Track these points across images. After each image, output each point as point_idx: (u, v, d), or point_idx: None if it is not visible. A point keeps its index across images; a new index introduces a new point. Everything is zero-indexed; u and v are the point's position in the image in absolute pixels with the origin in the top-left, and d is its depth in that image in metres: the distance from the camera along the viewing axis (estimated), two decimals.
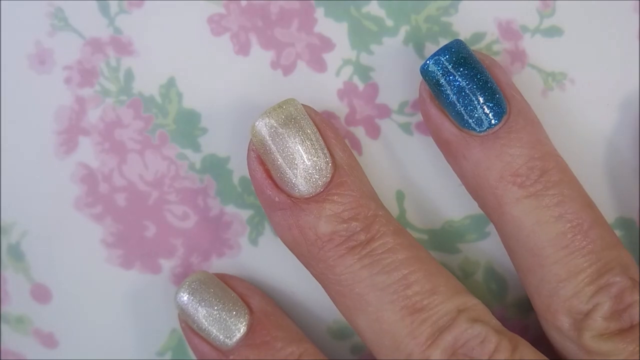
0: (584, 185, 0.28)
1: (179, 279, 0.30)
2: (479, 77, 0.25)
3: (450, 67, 0.25)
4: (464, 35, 0.27)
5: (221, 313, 0.28)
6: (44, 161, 0.29)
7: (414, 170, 0.29)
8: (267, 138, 0.26)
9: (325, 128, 0.26)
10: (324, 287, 0.27)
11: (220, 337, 0.28)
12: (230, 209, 0.29)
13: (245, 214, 0.29)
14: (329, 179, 0.26)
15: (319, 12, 0.28)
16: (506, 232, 0.26)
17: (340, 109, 0.28)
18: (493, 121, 0.25)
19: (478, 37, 0.27)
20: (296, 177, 0.26)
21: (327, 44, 0.28)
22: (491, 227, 0.29)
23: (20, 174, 0.29)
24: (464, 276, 0.29)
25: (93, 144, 0.29)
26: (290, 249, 0.27)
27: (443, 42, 0.28)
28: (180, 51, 0.28)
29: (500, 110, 0.25)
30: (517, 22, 0.27)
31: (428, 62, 0.25)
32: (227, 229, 0.29)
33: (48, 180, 0.29)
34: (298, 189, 0.26)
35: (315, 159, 0.26)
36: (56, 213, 0.30)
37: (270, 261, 0.30)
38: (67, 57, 0.28)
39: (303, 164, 0.26)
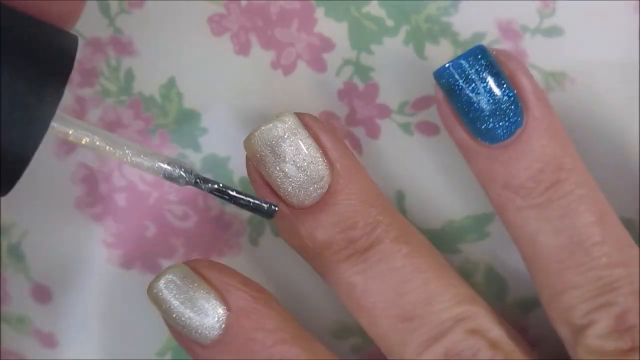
0: None
1: None
2: (494, 89, 0.25)
3: (468, 75, 0.25)
4: (464, 35, 0.27)
5: (192, 315, 0.27)
6: (44, 161, 0.29)
7: (414, 170, 0.29)
8: (259, 153, 0.26)
9: (324, 135, 0.26)
10: (329, 286, 0.27)
11: (197, 337, 0.26)
12: (230, 209, 0.29)
13: (245, 214, 0.29)
14: (325, 190, 0.26)
15: (319, 12, 0.28)
16: (510, 235, 0.26)
17: (341, 109, 0.28)
18: (504, 137, 0.25)
19: (478, 37, 0.27)
20: (290, 190, 0.26)
21: (327, 44, 0.28)
22: (491, 227, 0.29)
23: None
24: (464, 276, 0.29)
25: None
26: (296, 251, 0.27)
27: (443, 42, 0.28)
28: (180, 51, 0.28)
29: (513, 124, 0.25)
30: (517, 22, 0.27)
31: (447, 65, 0.25)
32: (227, 229, 0.29)
33: (48, 180, 0.29)
34: (295, 200, 0.26)
35: (309, 171, 0.26)
36: (56, 213, 0.30)
37: (270, 261, 0.30)
38: None
39: (297, 177, 0.26)
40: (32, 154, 0.21)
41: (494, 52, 0.25)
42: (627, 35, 0.27)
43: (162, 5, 0.28)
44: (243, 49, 0.28)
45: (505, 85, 0.25)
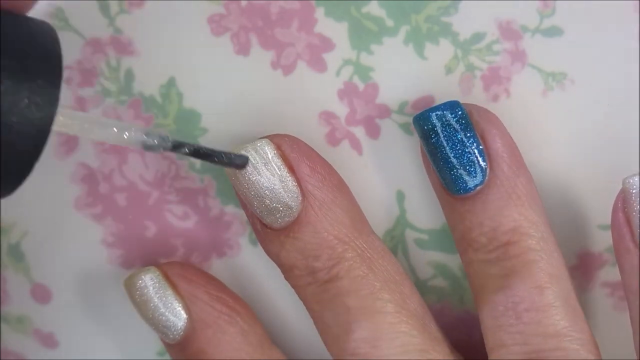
0: (584, 186, 0.28)
1: None
2: (459, 143, 0.26)
3: (438, 125, 0.26)
4: (464, 35, 0.27)
5: (163, 312, 0.28)
6: (44, 161, 0.29)
7: (414, 170, 0.29)
8: (232, 174, 0.26)
9: (300, 164, 0.26)
10: None
11: (161, 335, 0.28)
12: (230, 209, 0.29)
13: (245, 215, 0.29)
14: (293, 218, 0.26)
15: (319, 12, 0.28)
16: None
17: (340, 109, 0.28)
18: (462, 190, 0.26)
19: (478, 37, 0.27)
20: (261, 211, 0.26)
21: (327, 44, 0.28)
22: None
23: None
24: (463, 276, 0.29)
25: (93, 144, 0.29)
26: None
27: (443, 42, 0.28)
28: (180, 51, 0.28)
29: (473, 181, 0.26)
30: (517, 22, 0.27)
31: (423, 112, 0.26)
32: (227, 229, 0.29)
33: (48, 180, 0.29)
34: (264, 221, 0.26)
35: (276, 200, 0.26)
36: (56, 213, 0.30)
37: (270, 261, 0.29)
38: (68, 57, 0.28)
39: (264, 203, 0.26)
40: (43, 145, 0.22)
41: (468, 108, 0.26)
42: (627, 35, 0.27)
43: (162, 5, 0.28)
44: (243, 49, 0.28)
45: (471, 142, 0.26)
